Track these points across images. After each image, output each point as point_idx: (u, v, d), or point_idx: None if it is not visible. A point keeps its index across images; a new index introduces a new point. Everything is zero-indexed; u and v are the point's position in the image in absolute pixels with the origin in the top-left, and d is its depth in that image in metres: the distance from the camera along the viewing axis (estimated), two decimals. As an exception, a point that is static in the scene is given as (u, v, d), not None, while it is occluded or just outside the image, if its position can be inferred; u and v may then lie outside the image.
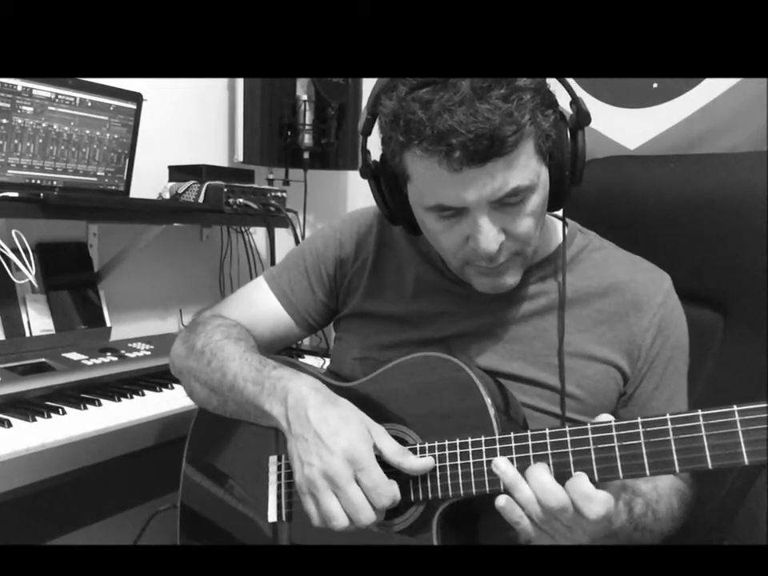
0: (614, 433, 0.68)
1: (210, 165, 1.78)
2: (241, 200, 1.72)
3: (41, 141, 1.43)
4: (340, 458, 0.74)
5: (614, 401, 0.91)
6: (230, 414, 0.91)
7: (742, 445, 0.62)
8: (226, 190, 1.69)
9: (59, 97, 1.44)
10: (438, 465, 0.77)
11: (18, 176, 1.41)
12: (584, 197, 0.95)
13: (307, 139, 1.97)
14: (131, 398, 1.25)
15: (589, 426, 0.70)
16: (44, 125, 1.43)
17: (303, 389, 0.81)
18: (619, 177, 1.20)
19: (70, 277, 1.56)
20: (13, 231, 1.33)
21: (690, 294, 0.99)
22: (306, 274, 1.03)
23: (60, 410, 1.14)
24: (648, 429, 0.67)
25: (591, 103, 1.60)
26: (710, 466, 0.64)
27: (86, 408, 1.17)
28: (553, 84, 0.79)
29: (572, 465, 0.69)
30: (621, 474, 0.67)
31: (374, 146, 0.84)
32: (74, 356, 1.38)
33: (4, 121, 1.36)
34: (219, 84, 2.01)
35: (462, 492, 0.75)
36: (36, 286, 1.45)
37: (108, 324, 1.60)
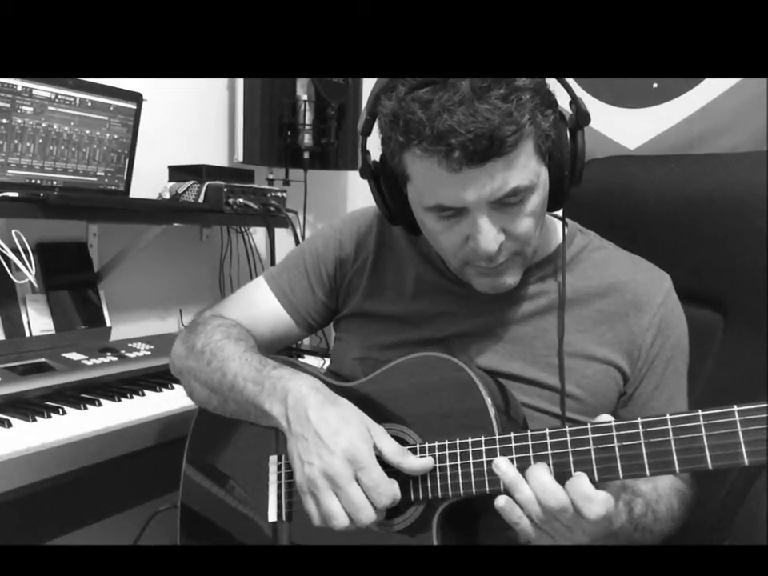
0: (614, 433, 0.68)
1: (210, 165, 1.78)
2: (241, 200, 1.72)
3: (41, 141, 1.43)
4: (340, 457, 0.74)
5: (614, 401, 0.91)
6: (230, 414, 0.91)
7: (742, 445, 0.62)
8: (226, 189, 1.69)
9: (59, 97, 1.44)
10: (437, 465, 0.77)
11: (18, 176, 1.41)
12: (584, 197, 0.95)
13: (307, 139, 1.97)
14: (131, 397, 1.25)
15: (589, 426, 0.70)
16: (44, 125, 1.43)
17: (303, 388, 0.81)
18: (619, 177, 1.20)
19: (70, 277, 1.56)
20: (13, 231, 1.33)
21: (690, 294, 0.99)
22: (306, 273, 1.03)
23: (60, 409, 1.14)
24: (648, 429, 0.67)
25: (591, 103, 1.60)
26: (710, 467, 0.64)
27: (85, 408, 1.17)
28: (552, 84, 0.79)
29: (572, 465, 0.69)
30: (621, 474, 0.67)
31: (374, 146, 0.84)
32: (73, 356, 1.38)
33: (4, 121, 1.36)
34: (219, 84, 2.01)
35: (461, 492, 0.75)
36: (36, 285, 1.45)
37: (108, 324, 1.60)
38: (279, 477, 0.88)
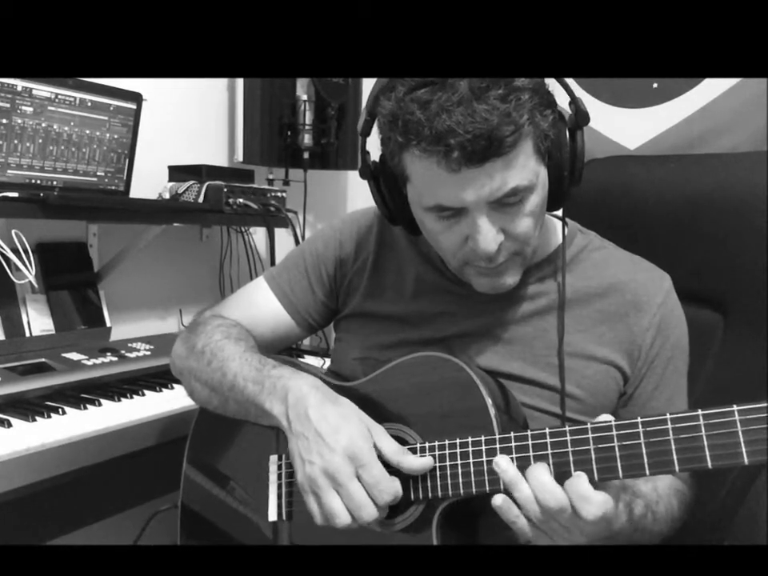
0: (614, 432, 0.68)
1: (209, 165, 1.78)
2: (241, 200, 1.72)
3: (41, 141, 1.43)
4: (341, 455, 0.74)
5: (614, 401, 0.91)
6: (231, 414, 0.91)
7: (742, 445, 0.62)
8: (225, 189, 1.69)
9: (59, 97, 1.44)
10: (438, 464, 0.77)
11: (18, 176, 1.41)
12: (584, 197, 0.95)
13: (307, 139, 1.97)
14: (131, 398, 1.25)
15: (589, 426, 0.70)
16: (44, 125, 1.43)
17: (303, 387, 0.81)
18: (619, 177, 1.20)
19: (70, 277, 1.56)
20: (13, 231, 1.33)
21: (690, 294, 0.99)
22: (306, 274, 1.03)
23: (60, 409, 1.14)
24: (648, 428, 0.67)
25: (591, 103, 1.60)
26: (709, 466, 0.64)
27: (86, 408, 1.17)
28: (552, 84, 0.79)
29: (572, 464, 0.69)
30: (621, 474, 0.67)
31: (374, 146, 0.84)
32: (74, 356, 1.38)
33: (4, 121, 1.36)
34: (219, 84, 2.01)
35: (461, 491, 0.75)
36: (36, 285, 1.45)
37: (108, 324, 1.60)
38: (279, 476, 0.88)
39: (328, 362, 1.45)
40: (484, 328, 0.92)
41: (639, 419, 0.67)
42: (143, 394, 1.28)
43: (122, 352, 1.45)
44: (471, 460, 0.75)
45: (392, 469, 0.76)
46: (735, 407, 0.63)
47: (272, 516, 0.87)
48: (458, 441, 0.76)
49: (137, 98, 1.58)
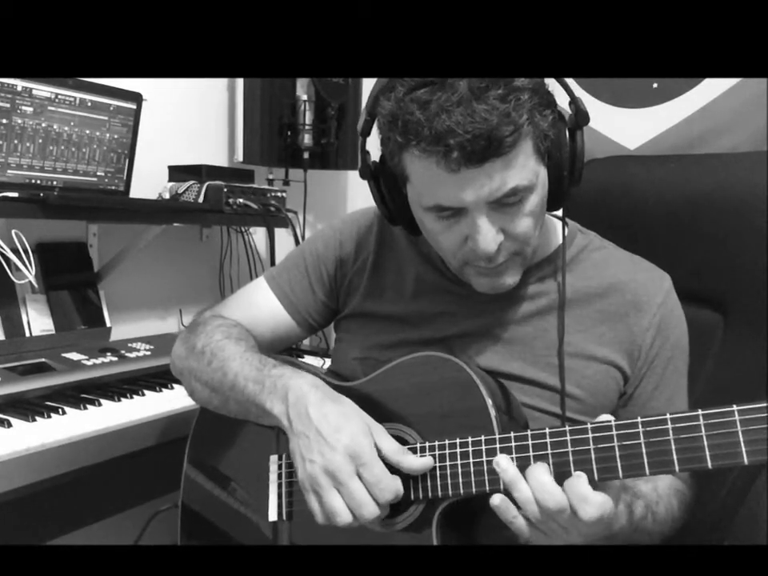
0: (614, 432, 0.68)
1: (209, 165, 1.78)
2: (241, 200, 1.72)
3: (41, 141, 1.43)
4: (341, 453, 0.74)
5: (614, 401, 0.91)
6: (232, 414, 0.91)
7: (742, 444, 0.62)
8: (225, 189, 1.69)
9: (59, 97, 1.44)
10: (438, 464, 0.77)
11: (18, 176, 1.41)
12: (584, 197, 0.95)
13: (307, 139, 1.97)
14: (131, 398, 1.25)
15: (589, 426, 0.70)
16: (44, 125, 1.43)
17: (304, 386, 0.81)
18: (619, 177, 1.20)
19: (70, 277, 1.56)
20: (13, 231, 1.33)
21: (690, 294, 0.99)
22: (307, 274, 1.03)
23: (60, 410, 1.14)
24: (648, 428, 0.67)
25: (591, 103, 1.61)
26: (709, 466, 0.64)
27: (86, 408, 1.17)
28: (552, 84, 0.79)
29: (572, 464, 0.69)
30: (621, 474, 0.67)
31: (374, 146, 0.84)
32: (73, 356, 1.38)
33: (4, 121, 1.36)
34: (219, 84, 2.01)
35: (461, 491, 0.75)
36: (36, 285, 1.45)
37: (108, 324, 1.60)
38: (280, 476, 0.88)
39: (328, 362, 1.45)
40: (484, 328, 0.92)
41: (639, 419, 0.67)
42: (143, 394, 1.28)
43: (122, 352, 1.45)
44: (471, 460, 0.75)
45: (392, 469, 0.76)
46: (735, 407, 0.63)
47: (272, 516, 0.87)
48: (457, 441, 0.76)
49: (137, 98, 1.58)
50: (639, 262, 0.95)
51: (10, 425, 1.07)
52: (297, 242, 1.90)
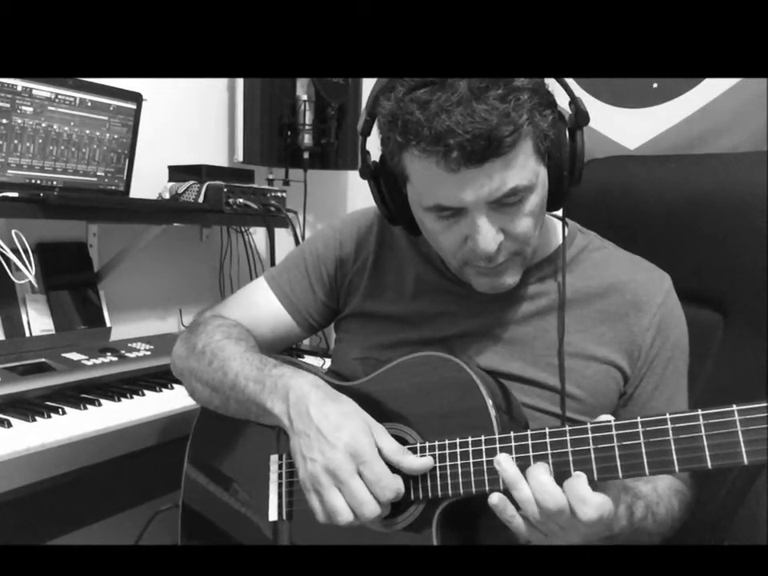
0: (614, 432, 0.68)
1: (209, 165, 1.78)
2: (241, 200, 1.72)
3: (41, 141, 1.43)
4: (342, 452, 0.74)
5: (614, 401, 0.91)
6: (232, 414, 0.91)
7: (742, 444, 0.62)
8: (225, 189, 1.69)
9: (59, 97, 1.44)
10: (437, 464, 0.77)
11: (18, 176, 1.41)
12: (584, 197, 0.95)
13: (307, 139, 1.97)
14: (131, 398, 1.25)
15: (588, 426, 0.70)
16: (44, 125, 1.43)
17: (304, 386, 0.81)
18: (619, 177, 1.20)
19: (70, 277, 1.56)
20: (13, 231, 1.33)
21: (690, 294, 0.99)
22: (307, 274, 1.03)
23: (60, 410, 1.14)
24: (647, 428, 0.67)
25: (591, 103, 1.61)
26: (709, 466, 0.64)
27: (86, 408, 1.17)
28: (552, 84, 0.79)
29: (571, 464, 0.69)
30: (620, 474, 0.67)
31: (374, 146, 0.84)
32: (73, 356, 1.38)
33: (4, 121, 1.36)
34: (219, 84, 2.01)
35: (461, 491, 0.75)
36: (36, 286, 1.45)
37: (108, 324, 1.60)
38: (280, 476, 0.88)
39: (328, 362, 1.45)
40: (484, 328, 0.92)
41: (639, 419, 0.67)
42: (143, 394, 1.28)
43: (122, 352, 1.45)
44: (471, 460, 0.75)
45: (392, 469, 0.76)
46: (735, 407, 0.63)
47: (272, 516, 0.87)
48: (457, 441, 0.76)
49: (137, 98, 1.58)
50: (639, 262, 0.95)
51: (9, 425, 1.07)
52: (297, 242, 1.90)
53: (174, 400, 1.25)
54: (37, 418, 1.10)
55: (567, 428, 0.70)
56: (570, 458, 0.70)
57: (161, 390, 1.31)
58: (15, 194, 1.30)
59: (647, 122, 1.58)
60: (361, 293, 1.00)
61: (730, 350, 1.04)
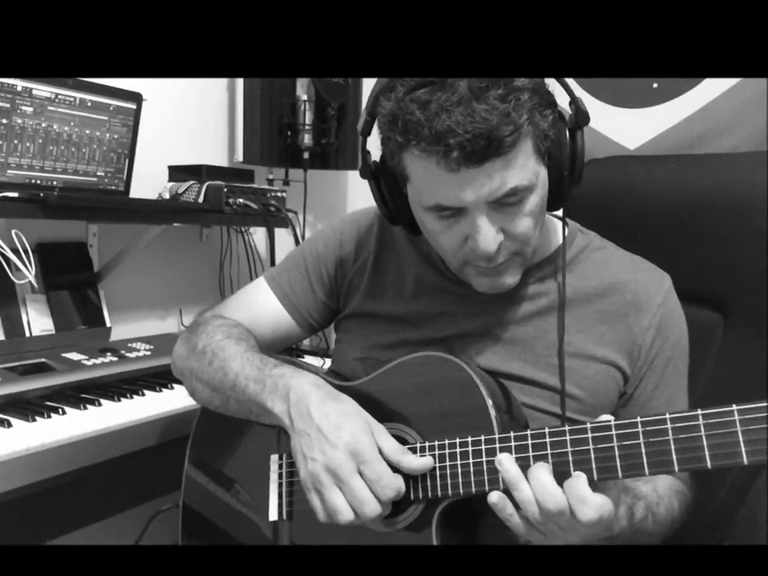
0: (614, 432, 0.68)
1: (209, 165, 1.78)
2: (241, 200, 1.72)
3: (41, 141, 1.43)
4: (342, 451, 0.74)
5: (614, 401, 0.91)
6: (233, 413, 0.91)
7: (741, 444, 0.62)
8: (225, 189, 1.69)
9: (59, 97, 1.44)
10: (437, 464, 0.77)
11: (18, 176, 1.41)
12: (584, 197, 0.95)
13: (307, 139, 1.97)
14: (131, 398, 1.25)
15: (588, 426, 0.70)
16: (44, 125, 1.43)
17: (305, 386, 0.81)
18: (619, 177, 1.20)
19: (69, 277, 1.56)
20: (13, 231, 1.33)
21: (690, 294, 0.99)
22: (307, 274, 1.03)
23: (60, 410, 1.14)
24: (647, 428, 0.67)
25: (591, 103, 1.60)
26: (709, 466, 0.64)
27: (85, 408, 1.17)
28: (552, 84, 0.79)
29: (571, 464, 0.69)
30: (620, 474, 0.67)
31: (375, 146, 0.84)
32: (73, 356, 1.38)
33: (4, 121, 1.36)
34: (219, 84, 2.01)
35: (461, 491, 0.75)
36: (36, 286, 1.45)
37: (108, 324, 1.60)
38: (280, 476, 0.88)
39: (328, 362, 1.45)
40: (484, 328, 0.92)
41: (638, 419, 0.67)
42: (143, 394, 1.28)
43: (122, 352, 1.45)
44: (471, 460, 0.75)
45: (392, 468, 0.76)
46: (735, 407, 0.63)
47: (272, 515, 0.87)
48: (457, 441, 0.76)
49: (137, 98, 1.58)
50: (639, 262, 0.95)
51: (10, 425, 1.07)
52: (297, 242, 1.90)
53: (174, 400, 1.25)
54: (37, 418, 1.10)
55: (567, 428, 0.70)
56: (570, 458, 0.70)
57: (161, 390, 1.31)
58: (15, 194, 1.30)
59: (647, 122, 1.58)
60: (361, 293, 1.00)
61: (730, 350, 1.04)
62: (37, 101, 1.40)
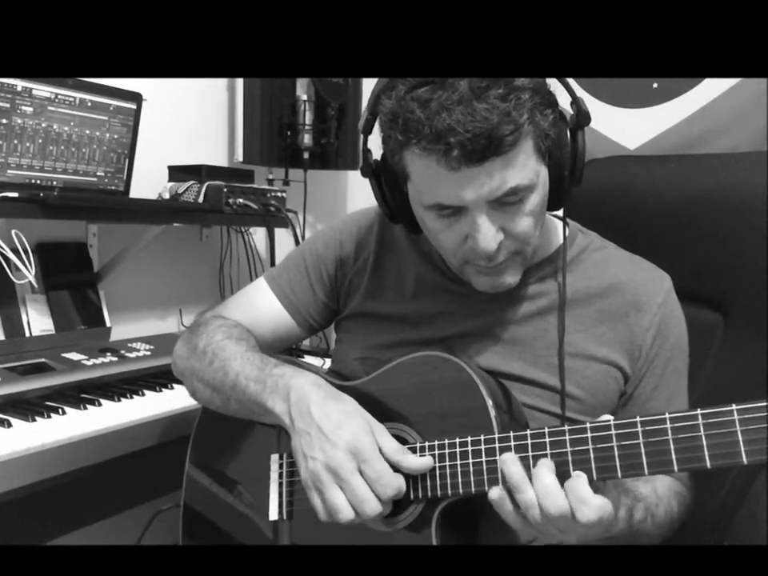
0: (613, 432, 0.68)
1: (209, 165, 1.78)
2: (241, 200, 1.72)
3: (41, 141, 1.43)
4: (343, 450, 0.74)
5: (614, 401, 0.91)
6: (233, 413, 0.91)
7: (741, 444, 0.62)
8: (225, 190, 1.69)
9: (59, 97, 1.44)
10: (437, 464, 0.77)
11: (18, 176, 1.41)
12: (584, 197, 0.95)
13: (307, 139, 1.97)
14: (131, 398, 1.25)
15: (588, 426, 0.69)
16: (44, 125, 1.43)
17: (305, 385, 0.81)
18: (619, 177, 1.20)
19: (69, 277, 1.56)
20: (13, 231, 1.33)
21: (690, 294, 0.99)
22: (307, 274, 1.03)
23: (60, 410, 1.14)
24: (647, 428, 0.67)
25: (591, 103, 1.60)
26: (708, 466, 0.64)
27: (85, 408, 1.17)
28: (553, 84, 0.79)
29: (571, 464, 0.69)
30: (619, 474, 0.67)
31: (376, 145, 0.84)
32: (73, 356, 1.38)
33: (4, 121, 1.36)
34: (219, 84, 2.01)
35: (461, 491, 0.75)
36: (36, 286, 1.45)
37: (108, 324, 1.60)
38: (281, 475, 0.88)
39: (328, 362, 1.45)
40: (484, 328, 0.92)
41: (638, 419, 0.67)
42: (143, 394, 1.28)
43: (122, 352, 1.45)
44: (471, 460, 0.75)
45: (392, 468, 0.76)
46: (734, 407, 0.63)
47: (273, 515, 0.87)
48: (457, 440, 0.76)
49: (137, 98, 1.58)
50: (639, 262, 0.95)
51: (9, 425, 1.07)
52: (297, 242, 1.90)
53: (174, 400, 1.25)
54: (37, 418, 1.10)
55: (566, 428, 0.70)
56: (570, 458, 0.69)
57: (161, 390, 1.31)
58: (15, 194, 1.29)
59: (647, 121, 1.58)
60: (361, 293, 1.00)
61: (730, 350, 1.04)
62: (37, 101, 1.40)
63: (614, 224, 1.06)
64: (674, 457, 0.65)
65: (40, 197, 1.31)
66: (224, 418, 0.93)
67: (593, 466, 0.68)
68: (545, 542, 0.73)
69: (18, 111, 1.38)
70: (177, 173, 1.80)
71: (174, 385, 1.32)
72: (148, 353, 1.47)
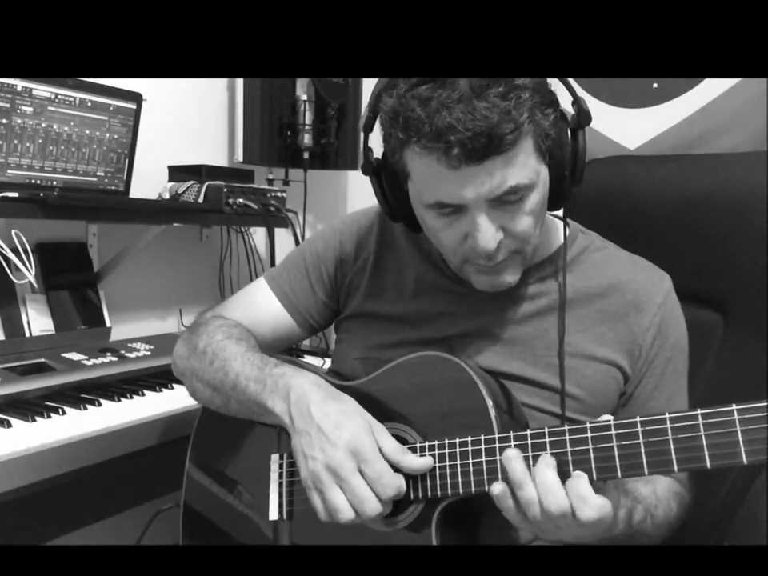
0: (613, 432, 0.68)
1: (209, 165, 1.78)
2: (241, 200, 1.72)
3: (41, 141, 1.43)
4: (343, 449, 0.74)
5: (614, 401, 0.91)
6: (233, 413, 0.91)
7: (741, 444, 0.62)
8: (225, 190, 1.69)
9: (59, 97, 1.44)
10: (437, 464, 0.77)
11: (18, 176, 1.41)
12: (584, 197, 0.95)
13: (307, 139, 1.97)
14: (131, 398, 1.25)
15: (588, 425, 0.69)
16: (44, 125, 1.43)
17: (305, 385, 0.81)
18: (619, 177, 1.20)
19: (69, 277, 1.56)
20: (13, 231, 1.33)
21: (690, 294, 0.99)
22: (307, 274, 1.03)
23: (60, 410, 1.14)
24: (646, 428, 0.67)
25: (591, 103, 1.59)
26: (708, 466, 0.64)
27: (85, 408, 1.17)
28: (554, 84, 0.79)
29: (571, 464, 0.69)
30: (619, 473, 0.67)
31: (377, 144, 0.84)
32: (73, 356, 1.38)
33: (4, 121, 1.36)
34: (219, 84, 2.01)
35: (461, 491, 0.75)
36: (36, 286, 1.45)
37: (108, 324, 1.60)
38: (281, 475, 0.88)
39: (328, 362, 1.45)
40: (484, 328, 0.92)
41: (638, 419, 0.67)
42: (143, 394, 1.28)
43: (122, 352, 1.45)
44: (471, 460, 0.75)
45: (392, 468, 0.76)
46: (734, 407, 0.63)
47: (273, 515, 0.87)
48: (457, 440, 0.76)
49: (137, 98, 1.58)
50: (639, 262, 0.95)
51: (9, 425, 1.07)
52: (297, 242, 1.90)
53: (174, 400, 1.25)
54: (37, 418, 1.10)
55: (566, 428, 0.70)
56: (570, 458, 0.69)
57: (161, 390, 1.31)
58: (15, 194, 1.29)
59: (647, 121, 1.58)
60: (361, 293, 1.00)
61: (730, 350, 1.04)
62: (37, 101, 1.40)
63: (614, 224, 1.06)
64: (674, 457, 0.65)
65: (40, 197, 1.31)
66: (224, 418, 0.93)
67: (593, 465, 0.68)
68: (541, 539, 0.72)
69: (18, 111, 1.38)
70: (177, 173, 1.80)
71: (174, 385, 1.32)
72: (148, 353, 1.47)
